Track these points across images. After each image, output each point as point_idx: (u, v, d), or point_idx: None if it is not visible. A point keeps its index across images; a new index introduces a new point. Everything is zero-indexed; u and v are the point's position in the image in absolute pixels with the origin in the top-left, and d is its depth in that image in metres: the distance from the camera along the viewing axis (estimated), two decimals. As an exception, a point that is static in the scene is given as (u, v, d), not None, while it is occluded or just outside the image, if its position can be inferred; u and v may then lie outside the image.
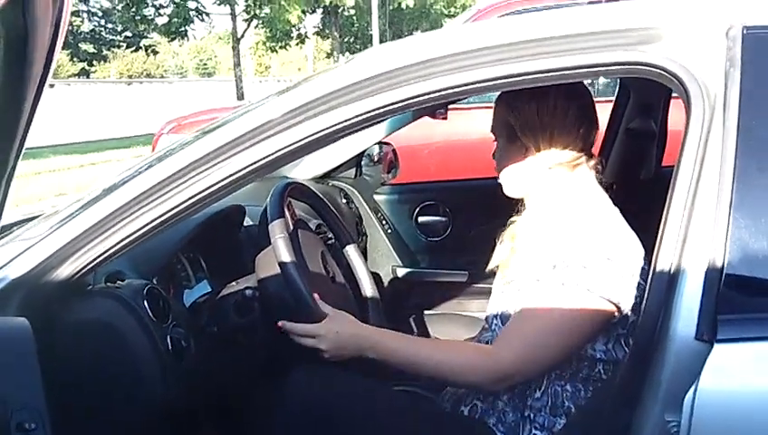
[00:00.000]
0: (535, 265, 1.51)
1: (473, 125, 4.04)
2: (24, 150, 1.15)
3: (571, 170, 1.55)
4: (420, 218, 3.17)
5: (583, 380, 1.51)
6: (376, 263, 3.00)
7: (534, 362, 1.47)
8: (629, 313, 1.43)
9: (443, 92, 1.26)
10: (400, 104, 1.27)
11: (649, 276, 1.18)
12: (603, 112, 1.77)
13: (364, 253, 2.87)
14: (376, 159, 3.28)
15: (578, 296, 1.42)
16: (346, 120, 1.28)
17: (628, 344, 1.48)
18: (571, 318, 1.44)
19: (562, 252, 1.45)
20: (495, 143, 1.64)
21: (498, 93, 1.61)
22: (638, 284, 1.41)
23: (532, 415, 1.51)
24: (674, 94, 1.25)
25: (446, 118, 3.21)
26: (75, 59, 30.86)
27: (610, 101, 2.78)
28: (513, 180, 1.61)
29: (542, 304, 1.47)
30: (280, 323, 1.56)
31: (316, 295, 1.57)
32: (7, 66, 1.10)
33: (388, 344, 1.54)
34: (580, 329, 1.46)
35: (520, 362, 1.46)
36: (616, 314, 1.44)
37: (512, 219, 1.69)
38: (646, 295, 1.18)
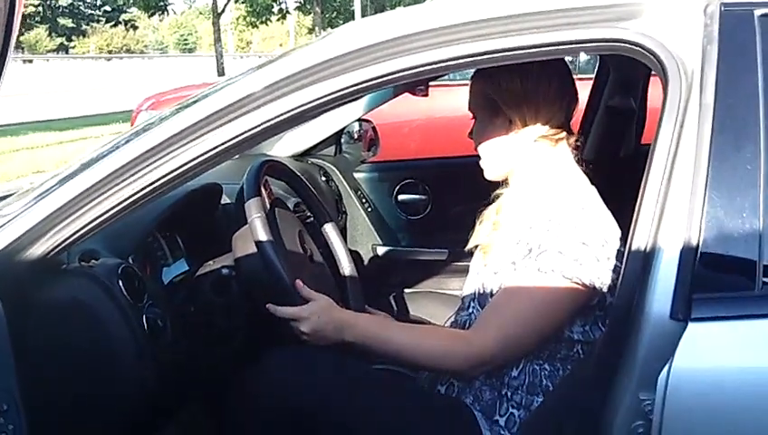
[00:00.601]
0: (512, 248, 1.51)
1: (454, 102, 4.02)
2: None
3: (554, 145, 1.55)
4: (400, 196, 3.16)
5: (561, 359, 1.52)
6: (356, 241, 3.00)
7: (511, 348, 1.48)
8: (606, 295, 1.44)
9: (422, 68, 1.24)
10: (382, 79, 1.25)
11: (625, 255, 1.18)
12: (583, 90, 1.77)
13: (344, 231, 2.86)
14: (356, 136, 3.26)
15: (554, 282, 1.42)
16: (328, 95, 1.26)
17: (605, 325, 1.49)
18: (548, 303, 1.45)
19: (538, 236, 1.45)
20: (473, 121, 1.62)
21: (474, 70, 1.59)
22: (615, 266, 1.41)
23: (509, 393, 1.52)
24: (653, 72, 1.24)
25: (426, 95, 3.20)
26: (53, 34, 30.53)
27: (590, 78, 2.77)
28: (495, 158, 1.59)
29: (518, 289, 1.47)
30: (267, 307, 1.54)
31: (298, 281, 1.55)
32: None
33: (366, 329, 1.54)
34: (557, 314, 1.47)
35: (496, 348, 1.47)
36: (593, 297, 1.45)
37: (493, 197, 1.68)
38: (621, 274, 1.18)
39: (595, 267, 1.41)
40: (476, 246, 1.69)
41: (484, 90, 1.56)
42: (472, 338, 1.49)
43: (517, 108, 1.53)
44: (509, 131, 1.54)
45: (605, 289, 1.42)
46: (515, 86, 1.52)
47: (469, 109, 1.62)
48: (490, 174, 1.62)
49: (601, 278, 1.41)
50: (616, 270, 1.41)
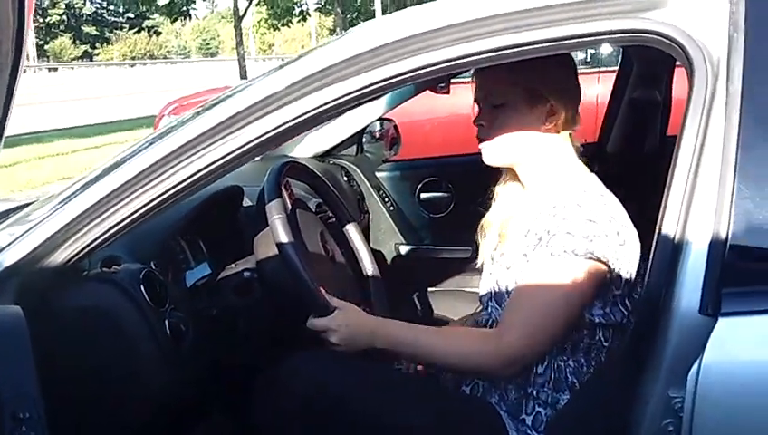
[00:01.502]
0: (521, 240, 1.51)
1: (476, 99, 4.00)
2: (4, 138, 1.11)
3: (558, 133, 1.55)
4: (423, 195, 3.14)
5: (585, 350, 1.50)
6: (378, 241, 2.98)
7: (539, 340, 1.46)
8: (621, 272, 1.44)
9: (445, 64, 1.22)
10: (404, 76, 1.24)
11: (652, 249, 1.16)
12: (607, 82, 1.75)
13: (367, 231, 2.85)
14: (377, 135, 3.25)
15: (567, 263, 1.41)
16: (350, 93, 1.24)
17: (625, 306, 1.49)
18: (566, 286, 1.43)
19: (545, 223, 1.46)
20: (494, 110, 1.55)
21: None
22: (625, 241, 1.42)
23: (535, 392, 1.50)
24: (678, 63, 1.21)
25: (448, 92, 3.17)
26: (78, 42, 30.89)
27: (614, 70, 2.74)
28: (516, 145, 1.55)
29: (534, 280, 1.46)
30: (308, 325, 1.53)
31: (321, 289, 1.55)
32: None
33: (395, 335, 1.53)
34: (576, 295, 1.44)
35: (526, 343, 1.45)
36: (607, 274, 1.44)
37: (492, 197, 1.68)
38: (648, 268, 1.15)
39: (605, 242, 1.41)
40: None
41: (527, 80, 1.52)
42: (499, 335, 1.48)
43: (559, 96, 1.53)
44: (546, 121, 1.53)
45: (619, 265, 1.43)
46: (560, 76, 1.55)
47: (493, 99, 1.55)
48: (497, 160, 1.58)
49: (613, 252, 1.42)
50: (626, 245, 1.42)
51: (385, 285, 1.92)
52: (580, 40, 1.22)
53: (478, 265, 1.72)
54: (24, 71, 1.08)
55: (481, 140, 1.57)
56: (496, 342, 1.47)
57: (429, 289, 2.34)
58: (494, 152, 1.57)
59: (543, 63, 1.49)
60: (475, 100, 1.59)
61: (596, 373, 1.47)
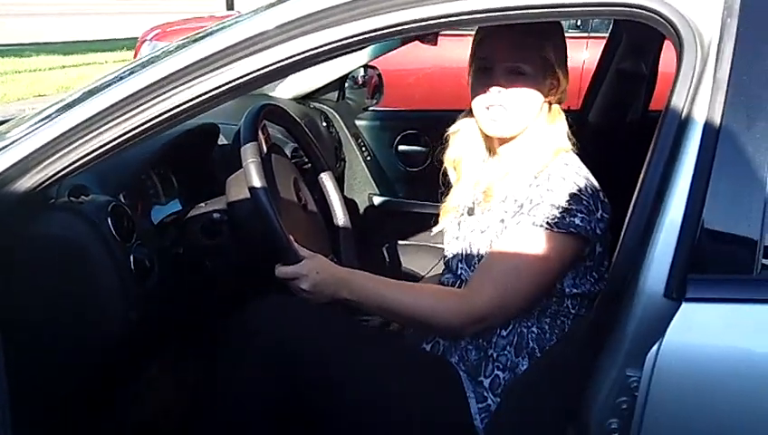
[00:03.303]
0: (498, 205, 1.52)
1: (464, 53, 3.94)
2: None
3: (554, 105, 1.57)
4: (401, 147, 3.12)
5: (551, 316, 1.51)
6: (353, 190, 2.97)
7: (509, 305, 1.47)
8: (596, 246, 1.47)
9: (444, 20, 1.18)
10: (397, 28, 1.20)
11: (624, 227, 1.15)
12: (595, 48, 1.72)
13: (341, 179, 2.83)
14: (360, 82, 3.21)
15: (548, 233, 1.42)
16: (340, 40, 1.20)
17: (593, 276, 1.51)
18: (543, 257, 1.44)
19: (528, 191, 1.46)
20: (514, 78, 1.50)
21: (527, 25, 1.39)
22: (602, 216, 1.45)
23: (495, 354, 1.51)
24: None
25: (435, 44, 3.12)
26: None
27: (604, 37, 2.71)
28: (528, 116, 1.53)
29: (512, 245, 1.46)
30: (276, 272, 1.51)
31: (291, 238, 1.53)
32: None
33: (363, 286, 1.52)
34: (553, 266, 1.46)
35: (495, 304, 1.46)
36: (584, 247, 1.46)
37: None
38: (618, 247, 1.15)
39: (587, 218, 1.43)
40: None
41: (541, 47, 1.50)
42: (468, 295, 1.49)
43: (563, 67, 1.54)
44: (549, 92, 1.53)
45: (595, 240, 1.45)
46: (563, 46, 1.55)
47: (511, 62, 1.50)
48: (513, 131, 1.55)
49: (593, 228, 1.43)
50: (603, 220, 1.45)
51: (355, 236, 1.91)
52: (575, 9, 1.20)
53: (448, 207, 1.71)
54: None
55: (491, 108, 1.53)
56: (465, 301, 1.48)
57: (399, 242, 2.34)
58: (512, 123, 1.53)
59: (551, 32, 1.49)
60: (489, 64, 1.53)
61: (557, 343, 1.49)
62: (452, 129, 1.70)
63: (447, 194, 1.72)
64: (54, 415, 1.43)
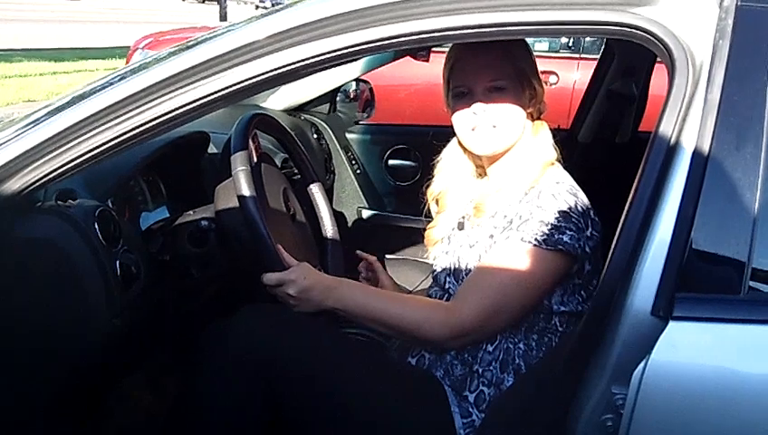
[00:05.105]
0: (487, 221, 1.53)
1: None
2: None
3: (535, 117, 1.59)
4: (391, 161, 3.13)
5: (538, 333, 1.51)
6: (342, 202, 2.97)
7: (492, 319, 1.47)
8: (585, 264, 1.46)
9: (430, 35, 1.18)
10: (388, 42, 1.20)
11: (612, 245, 1.16)
12: (586, 70, 1.74)
13: (331, 192, 2.83)
14: (352, 95, 3.22)
15: (538, 251, 1.42)
16: (333, 51, 1.20)
17: (581, 295, 1.51)
18: (531, 273, 1.44)
19: (518, 208, 1.47)
20: (494, 94, 1.52)
21: (490, 43, 1.44)
22: (592, 234, 1.45)
23: (480, 370, 1.51)
24: (658, 60, 1.20)
25: (428, 60, 3.14)
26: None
27: (595, 58, 2.73)
28: (516, 131, 1.54)
29: (500, 260, 1.46)
30: (264, 280, 1.50)
31: (278, 246, 1.52)
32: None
33: (349, 295, 1.52)
34: (540, 283, 1.46)
35: (478, 319, 1.46)
36: (572, 265, 1.46)
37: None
38: (607, 264, 1.15)
39: (576, 235, 1.43)
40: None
41: (512, 58, 1.52)
42: (454, 308, 1.48)
43: (537, 78, 1.56)
44: (529, 104, 1.55)
45: (584, 258, 1.45)
46: (531, 55, 1.57)
47: (488, 81, 1.52)
48: (500, 146, 1.55)
49: (581, 246, 1.43)
50: (593, 238, 1.45)
51: (343, 247, 1.91)
52: (568, 27, 1.20)
53: (435, 237, 1.71)
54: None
55: (477, 129, 1.54)
56: (451, 313, 1.48)
57: (387, 256, 2.34)
58: (502, 139, 1.54)
59: (514, 44, 1.52)
60: (465, 89, 1.54)
61: (543, 359, 1.48)
62: (438, 161, 1.71)
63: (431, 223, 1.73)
64: (36, 422, 1.41)
